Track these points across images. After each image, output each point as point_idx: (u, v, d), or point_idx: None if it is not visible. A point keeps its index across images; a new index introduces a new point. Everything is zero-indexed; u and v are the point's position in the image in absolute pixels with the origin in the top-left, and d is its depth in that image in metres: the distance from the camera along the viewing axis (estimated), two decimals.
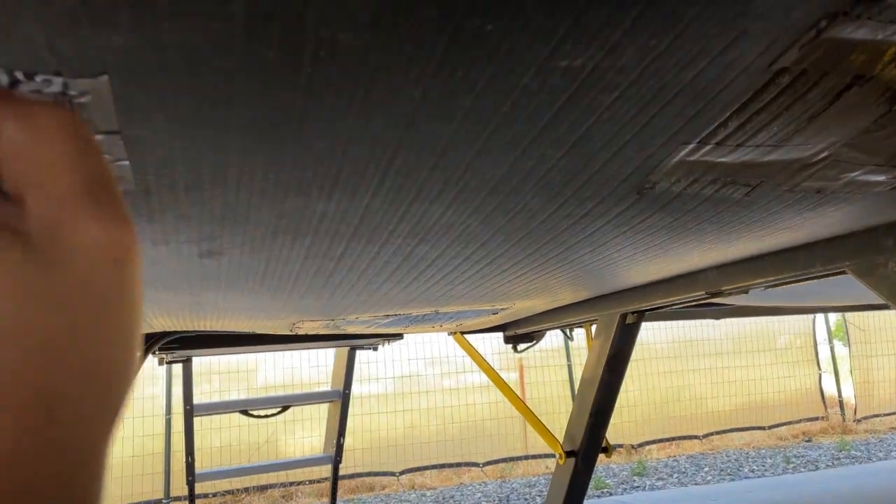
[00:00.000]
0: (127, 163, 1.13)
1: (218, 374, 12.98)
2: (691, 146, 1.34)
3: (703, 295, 3.69)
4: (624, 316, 4.46)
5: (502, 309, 3.51)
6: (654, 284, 3.71)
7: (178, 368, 6.34)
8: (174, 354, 5.58)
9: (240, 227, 1.48)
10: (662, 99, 1.14)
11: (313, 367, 13.16)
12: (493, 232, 1.71)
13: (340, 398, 7.02)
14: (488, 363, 6.36)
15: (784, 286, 3.28)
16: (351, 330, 4.47)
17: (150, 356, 5.31)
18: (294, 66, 0.94)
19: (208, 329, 3.42)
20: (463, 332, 5.92)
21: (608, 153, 1.33)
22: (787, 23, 0.98)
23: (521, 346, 6.67)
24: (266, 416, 7.33)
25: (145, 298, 2.11)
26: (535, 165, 1.35)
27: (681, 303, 4.04)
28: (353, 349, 6.74)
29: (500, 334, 6.33)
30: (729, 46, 1.01)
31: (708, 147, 1.35)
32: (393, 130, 1.15)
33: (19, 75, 0.88)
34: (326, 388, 7.52)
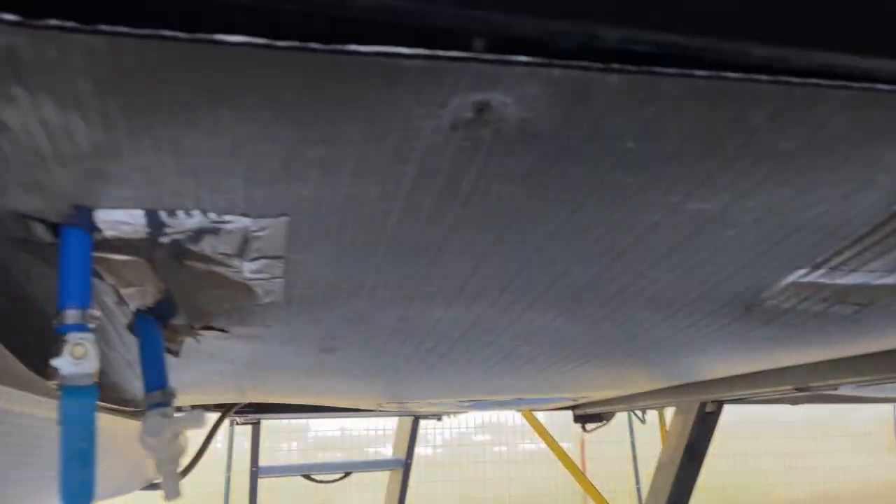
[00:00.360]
0: (282, 280, 1.24)
1: (271, 429, 13.06)
2: (805, 270, 1.37)
3: (790, 390, 3.58)
4: (704, 404, 4.35)
5: (583, 397, 3.51)
6: (738, 377, 3.64)
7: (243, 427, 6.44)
8: (246, 417, 5.71)
9: (362, 328, 1.58)
10: (783, 233, 1.19)
11: (367, 429, 13.08)
12: (596, 337, 1.76)
13: (402, 467, 6.99)
14: (553, 439, 6.23)
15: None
16: (427, 409, 4.51)
17: (225, 421, 5.45)
18: (445, 208, 1.04)
19: (294, 402, 3.53)
20: (532, 410, 5.86)
21: (721, 276, 1.37)
22: None
23: (590, 426, 6.54)
24: (329, 482, 7.34)
25: (256, 380, 2.23)
26: (650, 285, 1.40)
27: (765, 395, 3.92)
28: (417, 418, 6.74)
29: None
30: (854, 191, 1.06)
31: (821, 271, 1.38)
32: (521, 255, 1.23)
33: (213, 216, 1.01)
34: (379, 448, 7.48)
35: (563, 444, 6.92)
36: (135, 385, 2.43)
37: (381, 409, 3.92)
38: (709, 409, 4.53)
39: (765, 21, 0.80)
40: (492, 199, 1.01)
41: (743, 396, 3.93)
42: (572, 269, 1.28)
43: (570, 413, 6.21)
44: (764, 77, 0.81)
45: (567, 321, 1.62)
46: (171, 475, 1.11)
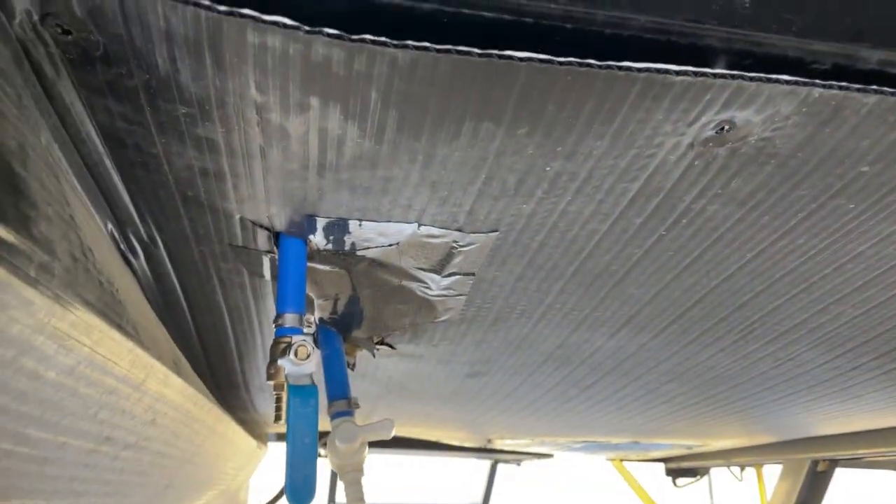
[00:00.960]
0: (463, 297, 1.27)
1: None
2: None
3: None
4: (815, 462, 4.11)
5: (698, 446, 3.38)
6: (857, 434, 3.44)
7: None
8: None
9: (519, 353, 1.59)
10: None
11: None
12: (751, 376, 1.71)
13: None
14: (650, 496, 5.98)
15: None
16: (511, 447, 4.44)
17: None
18: (652, 229, 1.05)
19: (407, 435, 3.55)
20: (622, 460, 5.67)
21: None
22: None
23: (681, 481, 6.26)
24: None
25: (388, 403, 2.26)
26: (828, 321, 1.36)
27: (886, 455, 3.68)
28: (496, 462, 6.62)
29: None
30: None
31: None
32: (706, 283, 1.23)
33: (426, 230, 1.05)
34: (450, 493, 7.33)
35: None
36: (262, 406, 2.50)
37: (489, 446, 3.89)
38: (820, 468, 4.28)
39: None
40: (701, 221, 1.02)
41: (861, 456, 3.69)
42: (755, 300, 1.27)
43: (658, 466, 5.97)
44: None
45: (726, 358, 1.59)
46: (354, 483, 1.14)
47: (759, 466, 5.69)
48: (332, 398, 1.27)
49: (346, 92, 0.76)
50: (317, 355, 1.03)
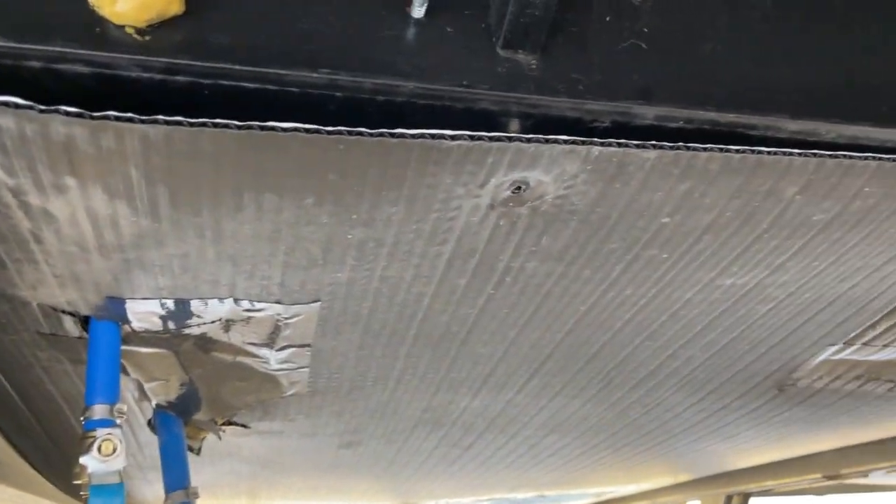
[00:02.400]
0: (307, 370, 1.22)
1: None
2: (837, 346, 1.35)
3: (819, 478, 3.45)
4: (730, 497, 4.18)
5: (606, 493, 3.37)
6: (765, 466, 3.51)
7: None
8: None
9: (385, 420, 1.54)
10: (816, 307, 1.18)
11: None
12: (626, 423, 1.71)
13: None
14: None
15: None
16: None
17: None
18: (479, 289, 1.03)
19: None
20: None
21: (755, 354, 1.35)
22: None
23: None
24: None
25: (268, 481, 2.15)
26: (682, 365, 1.37)
27: (792, 486, 3.77)
28: None
29: None
30: (887, 263, 1.06)
31: (854, 347, 1.35)
32: (552, 338, 1.22)
33: (245, 304, 1.00)
34: None
35: None
36: (145, 491, 2.33)
37: None
38: (735, 502, 4.34)
39: (794, 96, 0.82)
40: (525, 279, 1.01)
41: (771, 488, 3.78)
42: (604, 350, 1.26)
43: None
44: (796, 151, 0.83)
45: (596, 407, 1.58)
46: None
47: None
48: (169, 489, 1.17)
49: (103, 170, 0.71)
50: (123, 450, 0.95)
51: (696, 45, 0.83)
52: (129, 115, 0.65)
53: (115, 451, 0.95)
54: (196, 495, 1.16)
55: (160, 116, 0.66)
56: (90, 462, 0.94)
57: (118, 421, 1.00)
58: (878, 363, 1.45)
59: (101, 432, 0.96)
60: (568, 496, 3.41)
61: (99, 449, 0.94)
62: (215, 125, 0.67)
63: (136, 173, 0.71)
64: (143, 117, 0.66)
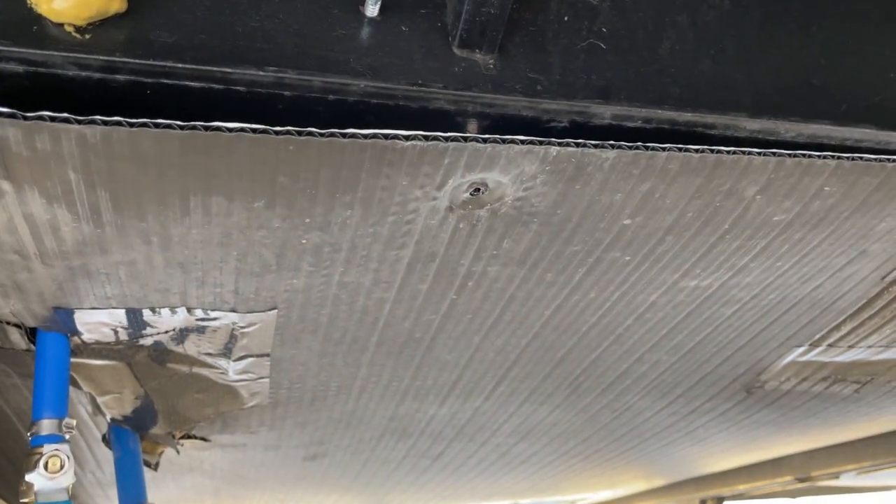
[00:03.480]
0: (267, 380, 1.18)
1: None
2: (803, 348, 1.35)
3: (790, 480, 3.48)
4: (703, 502, 4.20)
5: (581, 499, 3.36)
6: (737, 470, 3.53)
7: None
8: None
9: (351, 431, 1.50)
10: (781, 309, 1.18)
11: None
12: (596, 429, 1.70)
13: None
14: None
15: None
16: None
17: None
18: (441, 294, 1.01)
19: None
20: None
21: (721, 357, 1.34)
22: None
23: None
24: None
25: (233, 496, 2.10)
26: (649, 369, 1.36)
27: (765, 488, 3.80)
28: None
29: None
30: (849, 263, 1.06)
31: (820, 349, 1.36)
32: (517, 343, 1.20)
33: (199, 313, 0.97)
34: None
35: None
36: None
37: None
38: None
39: (752, 95, 0.82)
40: (488, 283, 0.99)
41: (743, 491, 3.80)
42: (570, 355, 1.25)
43: None
44: (755, 150, 0.82)
45: (565, 413, 1.57)
46: None
47: None
48: None
49: (39, 174, 0.67)
50: (71, 466, 0.91)
51: (655, 44, 0.82)
52: (65, 115, 0.62)
53: (62, 467, 0.91)
54: None
55: (98, 117, 0.63)
56: (36, 479, 0.90)
57: (67, 436, 0.96)
58: (844, 364, 1.45)
59: (48, 448, 0.92)
60: (542, 503, 3.39)
61: (45, 465, 0.90)
62: (157, 126, 0.64)
63: (75, 176, 0.68)
64: (80, 118, 0.63)
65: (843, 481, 3.65)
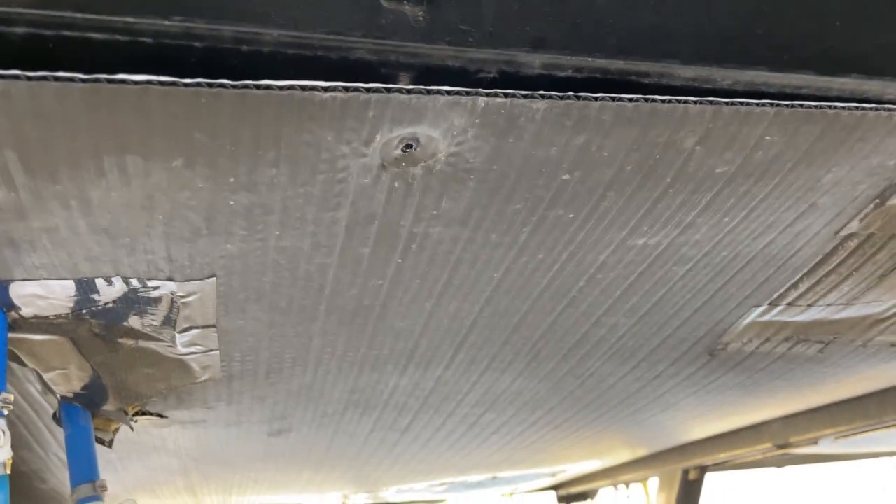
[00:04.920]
0: (217, 353, 1.16)
1: None
2: (763, 308, 1.35)
3: (770, 447, 3.51)
4: (686, 471, 4.23)
5: (560, 471, 3.38)
6: (717, 438, 3.56)
7: None
8: None
9: (312, 405, 1.49)
10: (734, 267, 1.17)
11: None
12: (562, 397, 1.69)
13: None
14: None
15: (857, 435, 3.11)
16: (399, 498, 4.30)
17: None
18: (385, 258, 0.99)
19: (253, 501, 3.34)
20: (514, 494, 5.63)
21: (680, 319, 1.34)
22: (852, 195, 1.02)
23: None
24: None
25: (203, 474, 2.09)
26: (608, 333, 1.36)
27: (746, 456, 3.84)
28: None
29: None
30: (799, 218, 1.05)
31: (779, 308, 1.35)
32: (470, 308, 1.18)
33: (135, 283, 0.94)
34: None
35: None
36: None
37: (349, 502, 3.71)
38: (691, 476, 4.40)
39: (688, 42, 0.80)
40: (432, 246, 0.97)
41: (725, 459, 3.83)
42: (526, 320, 1.24)
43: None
44: (692, 99, 0.81)
45: (528, 381, 1.56)
46: None
47: (644, 482, 5.80)
48: (75, 482, 1.12)
49: None
50: (7, 440, 0.89)
51: None
52: None
53: None
54: (104, 488, 1.11)
55: None
56: None
57: (5, 412, 0.94)
58: (805, 324, 1.45)
59: None
60: (524, 477, 3.41)
61: None
62: (57, 79, 0.62)
63: None
64: None
65: (823, 447, 3.68)
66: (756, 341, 1.50)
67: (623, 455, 3.55)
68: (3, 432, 0.90)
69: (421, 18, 0.75)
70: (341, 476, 2.43)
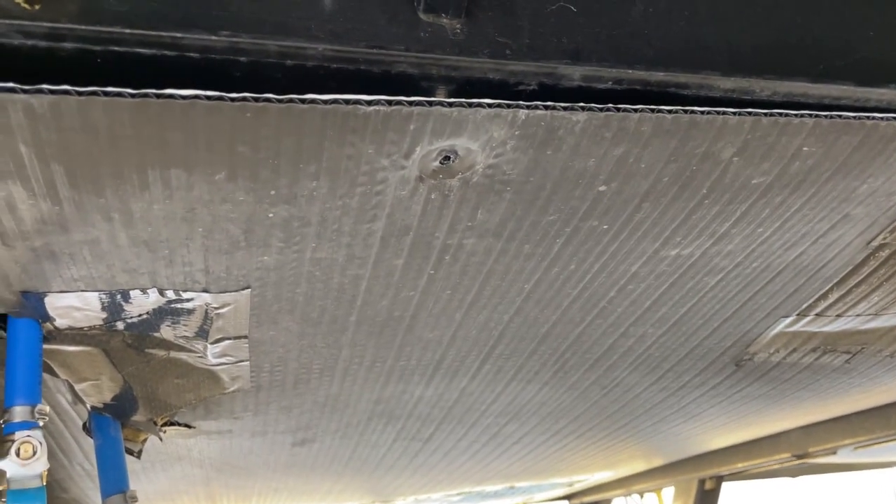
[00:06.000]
0: (247, 363, 1.17)
1: None
2: (791, 318, 1.34)
3: (788, 457, 3.48)
4: (702, 481, 4.20)
5: (578, 481, 3.36)
6: (735, 447, 3.53)
7: None
8: None
9: (337, 415, 1.49)
10: (765, 277, 1.16)
11: None
12: (586, 407, 1.69)
13: None
14: None
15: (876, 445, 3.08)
16: None
17: None
18: (418, 269, 0.99)
19: None
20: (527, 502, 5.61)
21: (708, 329, 1.33)
22: (886, 205, 1.01)
23: None
24: None
25: (224, 484, 2.09)
26: (635, 343, 1.35)
27: (763, 466, 3.80)
28: None
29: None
30: (832, 228, 1.04)
31: (808, 318, 1.34)
32: (499, 318, 1.18)
33: (170, 294, 0.95)
34: None
35: None
36: (97, 500, 2.26)
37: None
38: (708, 486, 4.37)
39: (722, 53, 0.80)
40: (465, 256, 0.97)
41: (742, 469, 3.80)
42: (554, 330, 1.24)
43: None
44: (730, 110, 0.80)
45: (554, 391, 1.56)
46: None
47: (658, 492, 5.76)
48: (106, 493, 1.12)
49: None
50: (44, 452, 0.89)
51: (627, 6, 0.80)
52: (10, 84, 0.60)
53: (35, 453, 0.89)
54: (135, 499, 1.11)
55: (45, 86, 0.61)
56: (9, 466, 0.88)
57: (40, 423, 0.95)
58: (833, 334, 1.44)
59: (19, 435, 0.90)
60: (540, 487, 3.39)
61: (18, 452, 0.89)
62: (106, 94, 0.62)
63: (27, 150, 0.66)
64: (26, 87, 0.61)
65: (841, 457, 3.65)
66: (783, 352, 1.49)
67: (639, 465, 3.52)
68: (40, 444, 0.90)
69: (459, 31, 0.76)
70: (360, 486, 2.43)
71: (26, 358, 0.97)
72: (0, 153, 0.66)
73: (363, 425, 1.58)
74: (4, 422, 0.94)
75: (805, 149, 0.87)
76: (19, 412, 0.94)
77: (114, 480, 1.12)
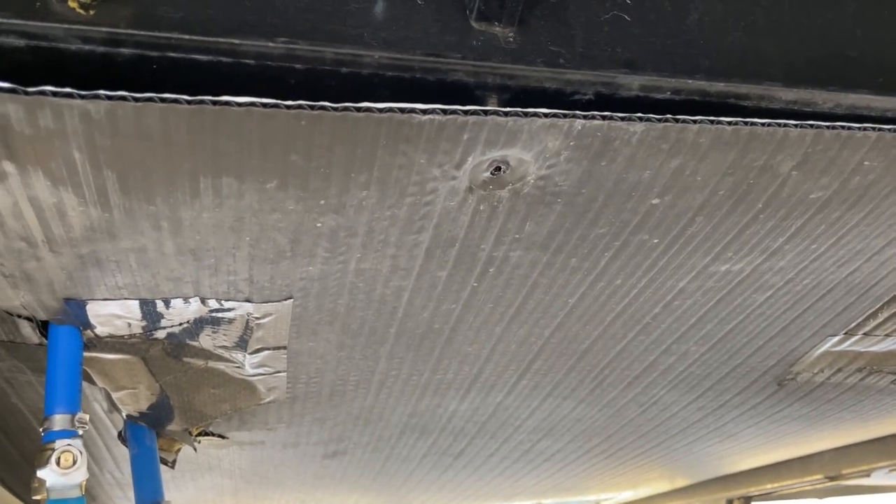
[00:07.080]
0: (284, 374, 1.15)
1: None
2: (838, 337, 1.30)
3: (820, 479, 3.39)
4: (730, 501, 4.12)
5: (605, 500, 3.30)
6: (764, 468, 3.45)
7: None
8: None
9: (370, 427, 1.47)
10: (815, 295, 1.13)
11: None
12: (621, 425, 1.65)
13: None
14: None
15: None
16: None
17: None
18: (461, 281, 0.97)
19: None
20: None
21: (752, 347, 1.29)
22: None
23: None
24: None
25: (253, 495, 2.08)
26: (677, 361, 1.32)
27: (794, 487, 3.72)
28: None
29: None
30: (888, 245, 1.01)
31: (855, 337, 1.30)
32: (540, 333, 1.16)
33: (213, 303, 0.94)
34: None
35: None
36: None
37: None
38: None
39: (788, 65, 0.78)
40: (509, 269, 0.95)
41: (771, 490, 3.72)
42: (595, 346, 1.21)
43: None
44: (792, 122, 0.78)
45: (590, 408, 1.53)
46: None
47: None
48: (140, 503, 1.11)
49: (43, 153, 0.65)
50: (84, 462, 0.88)
51: (682, 15, 0.78)
52: (68, 90, 0.60)
53: (74, 463, 0.88)
54: None
55: (102, 91, 0.61)
56: (48, 475, 0.88)
57: (80, 431, 0.94)
58: (879, 354, 1.40)
59: (59, 444, 0.89)
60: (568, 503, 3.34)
61: (58, 461, 0.88)
62: (163, 100, 0.62)
63: (80, 156, 0.66)
64: (83, 92, 0.60)
65: (874, 479, 3.55)
66: (827, 371, 1.45)
67: (662, 485, 3.46)
68: (81, 453, 0.90)
69: (511, 39, 0.74)
70: (387, 500, 2.41)
71: (67, 366, 0.96)
72: (54, 159, 0.66)
73: (395, 438, 1.57)
74: (44, 430, 0.94)
75: (866, 163, 0.84)
76: (59, 420, 0.94)
77: (149, 490, 1.12)
